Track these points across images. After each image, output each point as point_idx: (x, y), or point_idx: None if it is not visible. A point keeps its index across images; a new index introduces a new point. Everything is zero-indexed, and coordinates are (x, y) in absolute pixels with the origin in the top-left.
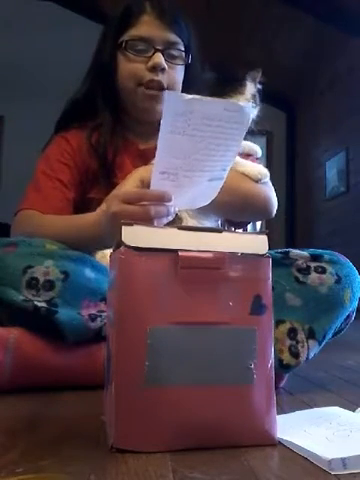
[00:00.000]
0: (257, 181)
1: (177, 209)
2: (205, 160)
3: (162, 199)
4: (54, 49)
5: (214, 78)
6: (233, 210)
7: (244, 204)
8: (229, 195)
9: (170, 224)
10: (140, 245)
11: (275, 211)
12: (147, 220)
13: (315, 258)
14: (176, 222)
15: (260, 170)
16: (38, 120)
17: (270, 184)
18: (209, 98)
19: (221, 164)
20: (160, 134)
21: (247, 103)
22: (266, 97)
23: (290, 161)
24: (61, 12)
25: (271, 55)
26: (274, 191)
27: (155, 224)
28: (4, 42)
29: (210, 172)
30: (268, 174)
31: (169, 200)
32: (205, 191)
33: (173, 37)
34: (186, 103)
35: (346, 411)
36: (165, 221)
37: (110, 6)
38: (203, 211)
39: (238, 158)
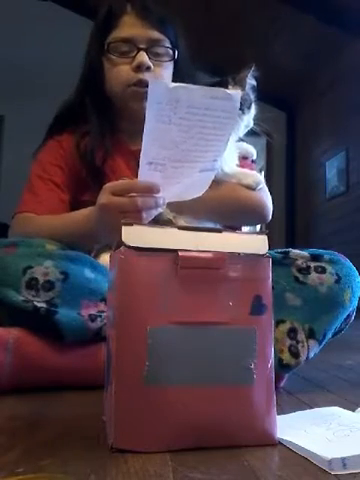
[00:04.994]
0: (253, 190)
1: (167, 201)
2: (194, 150)
3: (150, 190)
4: (54, 49)
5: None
6: (230, 218)
7: (240, 212)
8: (226, 205)
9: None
10: (140, 245)
11: (270, 216)
12: (135, 211)
13: (315, 258)
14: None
15: (254, 178)
16: (38, 120)
17: (266, 189)
18: (195, 86)
19: (212, 154)
20: (145, 123)
21: (235, 91)
22: (266, 97)
23: (290, 161)
24: (61, 12)
25: (271, 55)
26: (270, 196)
27: (144, 216)
28: (4, 42)
29: (200, 163)
30: (263, 181)
31: (157, 191)
32: (196, 183)
33: (156, 35)
34: (171, 91)
35: (346, 411)
36: (155, 213)
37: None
38: (198, 218)
39: (230, 169)
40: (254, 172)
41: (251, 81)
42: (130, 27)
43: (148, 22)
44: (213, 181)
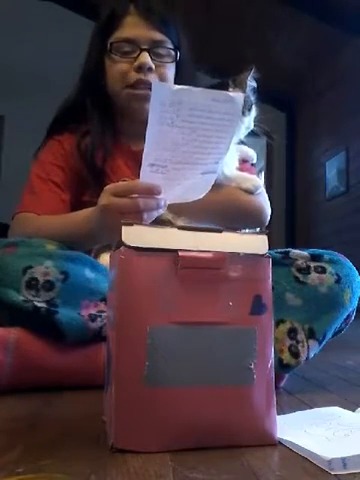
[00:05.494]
0: (252, 194)
1: (168, 202)
2: (196, 152)
3: (151, 192)
4: (54, 49)
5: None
6: (228, 222)
7: (238, 217)
8: (224, 209)
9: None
10: (140, 245)
11: (268, 220)
12: (136, 213)
13: (315, 258)
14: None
15: (253, 183)
16: (38, 120)
17: (264, 194)
18: (198, 88)
19: (214, 157)
20: (148, 125)
21: (238, 93)
22: (266, 97)
23: (290, 161)
24: (61, 12)
25: (271, 55)
26: (268, 200)
27: (145, 217)
28: (4, 42)
29: (202, 165)
30: (262, 185)
31: (158, 193)
32: (198, 185)
33: (159, 36)
34: (174, 93)
35: (346, 411)
36: (156, 214)
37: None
38: (196, 220)
39: (231, 172)
40: (253, 176)
41: (251, 83)
42: (133, 27)
43: (151, 23)
44: (213, 184)
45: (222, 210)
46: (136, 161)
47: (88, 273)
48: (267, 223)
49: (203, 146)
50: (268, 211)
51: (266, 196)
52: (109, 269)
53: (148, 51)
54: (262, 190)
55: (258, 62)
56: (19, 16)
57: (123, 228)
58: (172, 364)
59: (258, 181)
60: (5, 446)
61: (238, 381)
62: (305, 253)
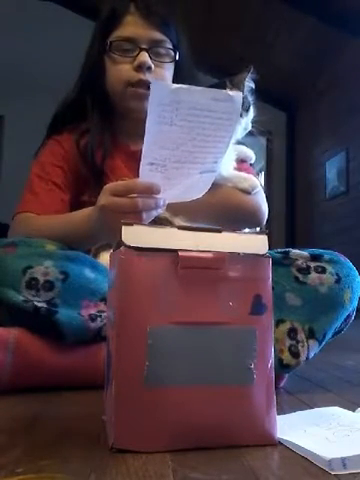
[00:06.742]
0: (249, 194)
1: (167, 201)
2: (195, 151)
3: (150, 191)
4: (54, 49)
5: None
6: (224, 222)
7: (236, 216)
8: (221, 209)
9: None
10: (140, 245)
11: (265, 220)
12: (135, 212)
13: (315, 258)
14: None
15: (251, 183)
16: (38, 120)
17: (262, 193)
18: (197, 87)
19: (212, 156)
20: (147, 124)
21: (237, 92)
22: (266, 97)
23: (290, 161)
24: (61, 12)
25: (271, 55)
26: (265, 199)
27: (144, 216)
28: (4, 42)
29: (201, 164)
30: (259, 185)
31: (158, 192)
32: (197, 184)
33: (159, 35)
34: (173, 92)
35: (346, 411)
36: (155, 214)
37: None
38: (193, 220)
39: (227, 172)
40: (251, 176)
41: (249, 83)
42: (133, 27)
43: (151, 22)
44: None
45: (219, 210)
46: (135, 161)
47: (88, 273)
48: (264, 223)
49: (202, 145)
50: (265, 211)
51: (264, 196)
52: (109, 269)
53: (147, 50)
54: (259, 190)
55: (258, 62)
56: (19, 16)
57: (123, 228)
58: (172, 364)
59: (255, 181)
60: (5, 446)
61: (238, 381)
62: (305, 253)
